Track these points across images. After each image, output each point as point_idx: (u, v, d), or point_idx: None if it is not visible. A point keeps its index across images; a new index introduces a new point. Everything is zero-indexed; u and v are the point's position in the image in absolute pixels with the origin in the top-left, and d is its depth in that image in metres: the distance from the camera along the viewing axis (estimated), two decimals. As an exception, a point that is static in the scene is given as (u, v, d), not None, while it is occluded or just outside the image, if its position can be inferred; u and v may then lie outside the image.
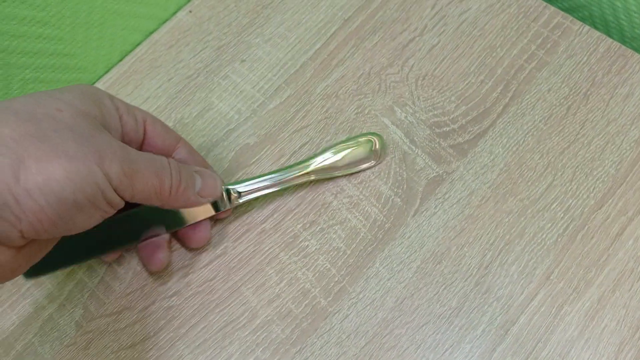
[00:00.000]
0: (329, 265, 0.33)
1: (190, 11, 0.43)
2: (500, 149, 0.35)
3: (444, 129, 0.36)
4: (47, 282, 0.34)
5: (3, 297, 0.34)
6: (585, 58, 0.38)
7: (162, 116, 0.39)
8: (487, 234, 0.33)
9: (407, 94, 0.38)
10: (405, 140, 0.36)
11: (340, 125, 0.37)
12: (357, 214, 0.34)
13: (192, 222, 0.32)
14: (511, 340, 0.31)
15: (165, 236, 0.33)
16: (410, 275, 0.32)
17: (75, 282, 0.34)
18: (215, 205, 0.32)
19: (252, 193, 0.33)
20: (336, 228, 0.34)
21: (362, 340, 0.31)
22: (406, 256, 0.33)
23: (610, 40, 0.38)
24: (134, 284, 0.34)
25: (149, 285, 0.33)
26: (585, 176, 0.34)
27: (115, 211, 0.26)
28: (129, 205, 0.28)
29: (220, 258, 0.34)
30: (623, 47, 0.38)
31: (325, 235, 0.34)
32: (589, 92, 0.37)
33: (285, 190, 0.35)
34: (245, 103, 0.39)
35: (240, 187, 0.33)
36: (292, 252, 0.34)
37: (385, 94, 0.38)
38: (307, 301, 0.32)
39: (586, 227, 0.33)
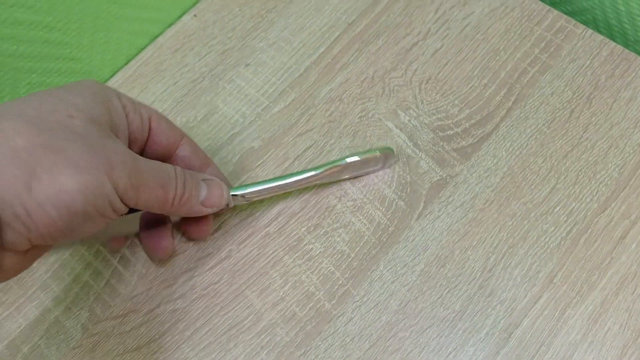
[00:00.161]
0: (333, 269, 0.33)
1: (195, 15, 0.43)
2: (504, 153, 0.35)
3: (448, 132, 0.36)
4: (53, 285, 0.34)
5: (10, 299, 0.34)
6: (588, 62, 0.38)
7: (167, 120, 0.39)
8: (491, 237, 0.33)
9: (410, 97, 0.38)
10: (409, 143, 0.36)
11: (344, 128, 0.37)
12: (361, 217, 0.35)
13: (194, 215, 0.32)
14: (514, 343, 0.31)
15: (168, 225, 0.33)
16: (414, 279, 0.33)
17: (81, 285, 0.34)
18: None
19: (255, 196, 0.33)
20: (340, 231, 0.34)
21: (366, 343, 0.31)
22: (410, 259, 0.33)
23: (614, 43, 0.38)
24: (139, 287, 0.34)
25: (154, 288, 0.34)
26: (588, 179, 0.34)
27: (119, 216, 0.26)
28: None
29: (225, 261, 0.34)
30: (626, 50, 0.38)
31: (330, 239, 0.34)
32: (592, 96, 0.37)
33: (289, 193, 0.35)
34: (250, 107, 0.39)
35: (245, 192, 0.33)
36: (297, 255, 0.34)
37: (389, 97, 0.38)
38: (311, 304, 0.33)
39: (589, 231, 0.33)
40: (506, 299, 0.32)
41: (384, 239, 0.34)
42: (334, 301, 0.33)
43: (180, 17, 0.43)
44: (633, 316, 0.31)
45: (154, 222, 0.33)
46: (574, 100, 0.37)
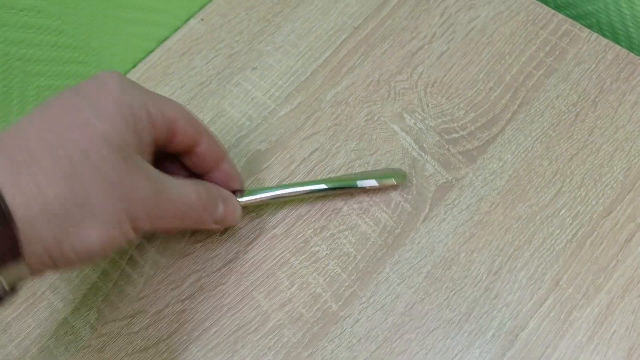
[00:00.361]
0: (339, 270, 0.34)
1: (202, 19, 0.44)
2: (509, 156, 0.36)
3: (453, 135, 0.37)
4: (62, 286, 0.35)
5: (19, 300, 0.34)
6: (593, 65, 0.38)
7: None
8: (497, 239, 0.33)
9: (416, 100, 0.38)
10: (414, 146, 0.37)
11: (350, 132, 0.38)
12: (367, 220, 0.35)
13: None
14: (520, 345, 0.31)
15: None
16: (420, 281, 0.33)
17: (90, 286, 0.34)
18: None
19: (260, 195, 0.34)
20: (346, 233, 0.35)
21: (373, 345, 0.31)
22: (416, 261, 0.33)
23: (619, 47, 0.38)
24: (147, 288, 0.34)
25: (161, 290, 0.34)
26: (594, 182, 0.34)
27: None
28: None
29: (232, 263, 0.34)
30: (631, 54, 0.38)
31: (336, 241, 0.34)
32: (597, 99, 0.37)
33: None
34: (257, 110, 0.39)
35: (251, 199, 0.34)
36: (303, 257, 0.34)
37: (395, 100, 0.38)
38: (318, 305, 0.33)
39: (595, 233, 0.33)
40: (512, 301, 0.32)
41: (390, 241, 0.34)
42: (340, 302, 0.33)
43: (187, 20, 0.44)
44: (639, 318, 0.31)
45: None
46: (580, 104, 0.37)
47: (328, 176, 0.36)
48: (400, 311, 0.32)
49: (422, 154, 0.36)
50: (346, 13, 0.42)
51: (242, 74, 0.41)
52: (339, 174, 0.36)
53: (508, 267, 0.33)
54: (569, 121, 0.36)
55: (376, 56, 0.40)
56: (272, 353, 0.32)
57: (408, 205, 0.35)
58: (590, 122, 0.36)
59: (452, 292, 0.32)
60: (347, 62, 0.40)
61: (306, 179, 0.36)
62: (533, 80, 0.38)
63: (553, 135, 0.36)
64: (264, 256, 0.34)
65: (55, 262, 0.23)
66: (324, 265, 0.34)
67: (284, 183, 0.36)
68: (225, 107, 0.40)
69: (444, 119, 0.37)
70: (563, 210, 0.34)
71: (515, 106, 0.37)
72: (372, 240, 0.34)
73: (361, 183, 0.34)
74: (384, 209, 0.35)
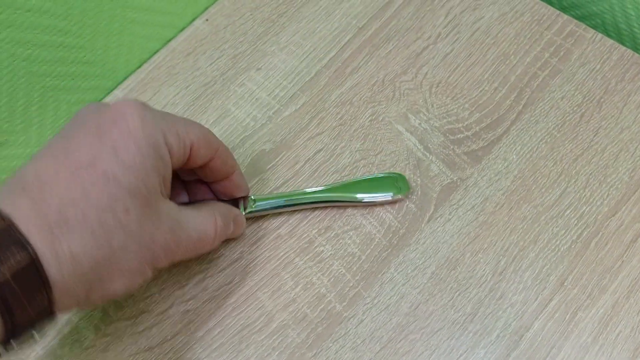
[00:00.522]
0: (343, 271, 0.34)
1: (206, 20, 0.44)
2: (514, 156, 0.36)
3: (458, 136, 0.37)
4: (67, 285, 0.35)
5: (24, 299, 0.34)
6: (598, 66, 0.38)
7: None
8: (501, 240, 0.33)
9: (421, 101, 0.38)
10: (419, 147, 0.37)
11: (355, 132, 0.38)
12: (371, 220, 0.35)
13: None
14: (525, 346, 0.31)
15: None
16: (425, 281, 0.33)
17: (95, 285, 0.34)
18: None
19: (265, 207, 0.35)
20: (351, 234, 0.35)
21: (377, 345, 0.31)
22: (421, 262, 0.33)
23: (624, 48, 0.38)
24: (151, 288, 0.34)
25: (166, 290, 0.34)
26: (599, 183, 0.34)
27: None
28: None
29: (237, 263, 0.34)
30: (636, 55, 0.38)
31: (340, 241, 0.34)
32: (602, 100, 0.37)
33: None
34: (261, 110, 0.39)
35: (257, 204, 0.35)
36: (308, 257, 0.34)
37: (399, 101, 0.38)
38: (322, 306, 0.33)
39: (600, 234, 0.33)
40: (517, 301, 0.32)
41: (395, 242, 0.34)
42: (345, 303, 0.33)
43: (192, 21, 0.44)
44: (644, 320, 0.31)
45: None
46: (584, 104, 0.37)
47: (332, 177, 0.36)
48: (404, 312, 0.32)
49: (427, 154, 0.36)
50: (350, 14, 0.42)
51: (247, 74, 0.41)
52: (343, 174, 0.36)
53: (513, 267, 0.33)
54: (573, 122, 0.36)
55: (381, 56, 0.40)
56: (276, 353, 0.32)
57: (413, 206, 0.35)
58: (595, 123, 0.36)
59: (457, 293, 0.32)
60: (352, 63, 0.40)
61: (310, 179, 0.36)
62: (538, 81, 0.38)
63: (558, 135, 0.36)
64: (268, 256, 0.34)
65: (81, 307, 0.26)
66: (328, 266, 0.34)
67: (289, 192, 0.36)
68: (230, 107, 0.40)
69: (449, 120, 0.37)
70: (568, 211, 0.34)
71: (520, 107, 0.37)
72: (376, 240, 0.34)
73: (368, 198, 0.35)
74: (389, 209, 0.35)
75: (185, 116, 0.39)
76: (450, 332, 0.31)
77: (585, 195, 0.34)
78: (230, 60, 0.42)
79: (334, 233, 0.35)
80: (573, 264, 0.32)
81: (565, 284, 0.32)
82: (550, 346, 0.31)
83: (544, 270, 0.32)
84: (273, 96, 0.40)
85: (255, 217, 0.35)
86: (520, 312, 0.32)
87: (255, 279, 0.34)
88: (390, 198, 0.35)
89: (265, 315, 0.33)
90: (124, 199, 0.25)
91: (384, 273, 0.33)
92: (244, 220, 0.34)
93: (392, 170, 0.36)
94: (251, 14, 0.43)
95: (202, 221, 0.30)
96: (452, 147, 0.36)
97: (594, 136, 0.36)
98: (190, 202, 0.33)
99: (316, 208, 0.35)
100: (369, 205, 0.35)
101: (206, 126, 0.38)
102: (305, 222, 0.35)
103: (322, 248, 0.34)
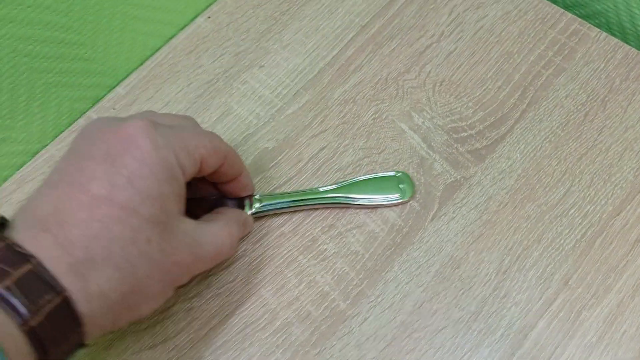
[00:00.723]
0: (347, 269, 0.33)
1: (209, 17, 0.43)
2: (518, 155, 0.36)
3: (462, 134, 0.37)
4: (68, 283, 0.34)
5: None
6: (602, 65, 0.38)
7: (181, 120, 0.39)
8: (505, 239, 0.33)
9: (424, 99, 0.38)
10: (422, 145, 0.37)
11: (358, 130, 0.38)
12: (375, 218, 0.35)
13: None
14: (530, 345, 0.31)
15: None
16: (429, 280, 0.33)
17: (97, 283, 0.34)
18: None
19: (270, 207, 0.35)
20: (354, 232, 0.34)
21: (381, 344, 0.31)
22: (424, 260, 0.33)
23: (628, 46, 0.38)
24: (154, 285, 0.34)
25: (169, 287, 0.34)
26: (603, 182, 0.34)
27: None
28: None
29: (240, 260, 0.34)
30: (640, 54, 0.38)
31: (344, 239, 0.34)
32: (606, 99, 0.37)
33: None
34: (264, 108, 0.39)
35: (262, 205, 0.35)
36: (311, 255, 0.34)
37: (403, 99, 0.38)
38: (326, 304, 0.33)
39: (604, 233, 0.33)
40: (521, 300, 0.32)
41: (398, 240, 0.34)
42: (348, 301, 0.33)
43: (194, 18, 0.44)
44: (649, 319, 0.31)
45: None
46: (588, 103, 0.37)
47: (335, 175, 0.36)
48: (408, 310, 0.32)
49: (431, 152, 0.36)
50: (353, 11, 0.42)
51: (249, 72, 0.41)
52: (346, 172, 0.36)
53: (517, 266, 0.33)
54: (578, 121, 0.36)
55: (384, 55, 0.40)
56: (280, 351, 0.32)
57: (416, 205, 0.35)
58: (600, 122, 0.36)
59: (461, 291, 0.32)
60: (355, 61, 0.40)
61: (314, 177, 0.36)
62: (542, 80, 0.38)
63: (562, 134, 0.36)
64: (272, 254, 0.34)
65: (108, 332, 0.27)
66: (331, 264, 0.34)
67: (295, 191, 0.36)
68: (233, 105, 0.40)
69: (453, 118, 0.37)
70: (572, 210, 0.34)
71: (524, 105, 0.37)
72: (380, 239, 0.34)
73: (376, 200, 0.35)
74: (392, 207, 0.35)
75: (187, 113, 0.39)
76: (454, 330, 0.31)
77: (589, 194, 0.34)
78: (232, 58, 0.41)
79: (337, 231, 0.35)
80: (577, 263, 0.32)
81: (569, 283, 0.32)
82: (554, 345, 0.31)
83: (548, 269, 0.32)
84: (276, 94, 0.40)
85: (259, 216, 0.35)
86: (524, 311, 0.31)
87: (258, 276, 0.34)
88: (398, 201, 0.34)
89: (269, 313, 0.33)
90: (145, 229, 0.25)
91: (387, 271, 0.33)
92: (252, 220, 0.34)
93: (395, 168, 0.36)
94: (253, 12, 0.43)
95: (218, 233, 0.30)
96: (455, 145, 0.36)
97: (598, 135, 0.36)
98: (195, 199, 0.33)
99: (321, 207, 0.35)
100: (373, 205, 0.35)
101: (208, 124, 0.39)
102: (308, 220, 0.35)
103: (325, 246, 0.34)
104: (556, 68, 0.38)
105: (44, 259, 0.22)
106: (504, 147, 0.36)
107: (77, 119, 0.41)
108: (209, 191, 0.33)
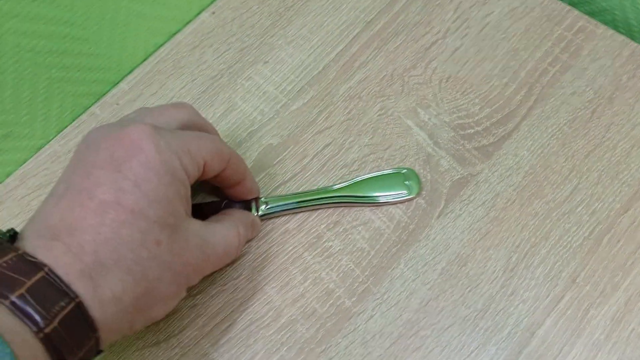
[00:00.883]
0: (352, 266, 0.33)
1: (213, 13, 0.43)
2: (525, 152, 0.35)
3: (468, 131, 0.36)
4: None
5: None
6: (609, 62, 0.38)
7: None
8: (513, 236, 0.33)
9: (430, 95, 0.38)
10: (429, 142, 0.36)
11: (363, 126, 0.37)
12: (380, 215, 0.34)
13: None
14: (537, 343, 0.30)
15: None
16: (435, 277, 0.32)
17: (100, 279, 0.34)
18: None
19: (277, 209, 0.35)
20: (360, 229, 0.34)
21: (387, 341, 0.31)
22: (431, 258, 0.33)
23: (635, 44, 0.38)
24: (158, 282, 0.34)
25: (173, 284, 0.34)
26: (610, 179, 0.34)
27: None
28: None
29: (245, 257, 0.34)
30: (648, 51, 0.38)
31: (349, 236, 0.34)
32: (613, 96, 0.36)
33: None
34: (269, 104, 0.39)
35: (269, 207, 0.34)
36: (316, 252, 0.34)
37: (409, 95, 0.38)
38: (331, 301, 0.32)
39: (612, 231, 0.33)
40: (528, 298, 0.31)
41: (405, 237, 0.34)
42: (354, 298, 0.32)
43: (198, 14, 0.43)
44: (657, 317, 0.30)
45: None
46: (596, 100, 0.36)
47: (341, 172, 0.36)
48: (415, 308, 0.32)
49: (437, 149, 0.36)
50: (358, 7, 0.42)
51: (254, 67, 0.41)
52: (352, 169, 0.36)
53: (524, 264, 0.32)
54: (585, 118, 0.36)
55: (389, 51, 0.40)
56: (285, 348, 0.31)
57: (422, 201, 0.35)
58: (607, 119, 0.36)
59: (468, 289, 0.32)
60: (360, 57, 0.40)
61: (319, 174, 0.36)
62: (548, 77, 0.38)
63: (569, 131, 0.36)
64: (277, 251, 0.34)
65: (124, 336, 0.26)
66: (337, 261, 0.33)
67: (300, 192, 0.35)
68: (237, 101, 0.39)
69: (459, 115, 0.37)
70: (580, 207, 0.34)
71: (531, 102, 0.37)
72: (386, 236, 0.34)
73: (383, 198, 0.34)
74: (398, 204, 0.35)
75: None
76: (461, 328, 0.31)
77: (597, 192, 0.34)
78: (237, 54, 0.41)
79: (342, 228, 0.34)
80: (585, 261, 0.32)
81: (577, 280, 0.32)
82: (562, 343, 0.30)
83: (555, 266, 0.32)
84: (280, 90, 0.39)
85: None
86: (532, 308, 0.31)
87: (263, 273, 0.33)
88: (405, 197, 0.34)
89: (274, 310, 0.32)
90: (154, 231, 0.25)
91: (393, 269, 0.33)
92: (259, 222, 0.34)
93: (401, 165, 0.36)
94: (258, 7, 0.43)
95: (226, 233, 0.30)
96: (462, 142, 0.36)
97: (606, 132, 0.35)
98: (202, 204, 0.33)
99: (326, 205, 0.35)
100: (379, 203, 0.35)
101: (212, 120, 0.39)
102: (313, 217, 0.35)
103: (330, 243, 0.34)
104: (563, 65, 0.38)
105: (56, 266, 0.23)
106: (510, 144, 0.36)
107: (81, 115, 0.40)
108: (216, 196, 0.33)
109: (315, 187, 0.36)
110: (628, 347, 0.30)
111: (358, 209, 0.35)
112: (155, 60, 0.42)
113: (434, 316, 0.31)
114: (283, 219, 0.35)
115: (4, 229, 0.25)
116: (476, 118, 0.37)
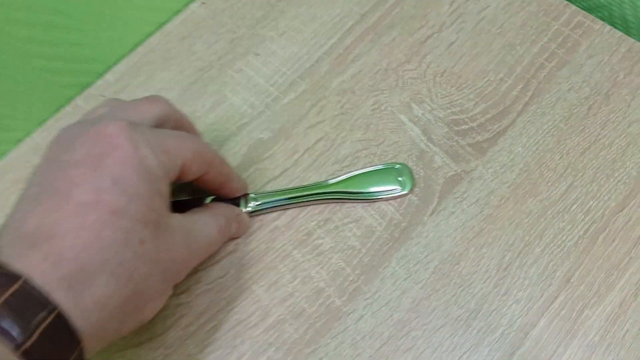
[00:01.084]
0: (343, 264, 0.32)
1: (203, 3, 0.42)
2: (520, 149, 0.35)
3: (463, 127, 0.36)
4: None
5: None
6: (606, 58, 0.37)
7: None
8: (506, 235, 0.32)
9: (424, 90, 0.37)
10: (422, 137, 0.35)
11: (356, 121, 0.36)
12: (372, 212, 0.34)
13: None
14: (531, 344, 0.30)
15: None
16: (428, 276, 0.32)
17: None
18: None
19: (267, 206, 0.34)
20: (351, 226, 0.33)
21: (378, 342, 0.30)
22: (423, 256, 0.32)
23: (632, 40, 0.37)
24: (142, 279, 0.33)
25: (158, 281, 0.33)
26: (606, 178, 0.33)
27: None
28: None
29: (232, 255, 0.33)
30: (645, 47, 0.37)
31: (340, 234, 0.33)
32: (610, 93, 0.36)
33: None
34: (259, 97, 0.38)
35: (258, 204, 0.34)
36: (306, 250, 0.33)
37: (403, 90, 0.37)
38: (320, 300, 0.32)
39: (607, 230, 0.32)
40: (522, 298, 0.31)
41: (397, 235, 0.33)
42: (344, 298, 0.31)
43: (188, 4, 0.42)
44: (653, 318, 0.30)
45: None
46: (592, 97, 0.36)
47: (333, 167, 0.35)
48: (406, 307, 0.31)
49: (430, 145, 0.35)
50: (352, 0, 0.41)
51: (245, 59, 0.40)
52: (344, 164, 0.35)
53: (518, 263, 0.32)
54: (581, 114, 0.35)
55: (384, 44, 0.39)
56: (272, 349, 0.30)
57: (415, 198, 0.34)
58: (603, 116, 0.35)
59: (461, 288, 0.31)
60: (354, 50, 0.39)
61: (310, 169, 0.35)
62: (545, 72, 0.37)
63: (565, 128, 0.35)
64: (265, 248, 0.33)
65: (112, 341, 0.25)
66: (327, 259, 0.33)
67: (291, 187, 0.34)
68: (227, 93, 0.38)
69: (453, 110, 0.36)
70: (575, 206, 0.33)
71: (527, 98, 0.36)
72: (377, 233, 0.33)
73: (375, 194, 0.34)
74: (390, 201, 0.34)
75: (180, 102, 0.38)
76: (453, 328, 0.30)
77: (592, 190, 0.33)
78: (227, 45, 0.40)
79: (333, 225, 0.34)
80: (580, 260, 0.32)
81: (571, 280, 0.31)
82: (556, 344, 0.30)
83: (549, 266, 0.31)
84: (272, 83, 0.38)
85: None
86: (525, 308, 0.31)
87: (251, 272, 0.33)
88: (398, 193, 0.33)
89: (261, 310, 0.31)
90: (137, 230, 0.24)
91: (385, 267, 0.32)
92: (247, 218, 0.33)
93: (394, 161, 0.35)
94: (249, -2, 0.42)
95: (207, 221, 0.30)
96: (456, 138, 0.35)
97: (602, 129, 0.35)
98: (188, 200, 0.32)
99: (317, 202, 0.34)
100: (372, 199, 0.34)
101: (202, 112, 0.38)
102: (303, 214, 0.34)
103: (321, 241, 0.33)
104: (559, 60, 0.37)
105: (33, 276, 0.21)
106: (505, 140, 0.35)
107: (64, 106, 0.39)
108: (201, 193, 0.32)
109: (306, 183, 0.35)
110: (623, 348, 0.29)
111: (350, 205, 0.34)
112: (143, 51, 0.41)
113: (426, 316, 0.31)
114: (272, 215, 0.34)
115: None
116: (471, 114, 0.36)
